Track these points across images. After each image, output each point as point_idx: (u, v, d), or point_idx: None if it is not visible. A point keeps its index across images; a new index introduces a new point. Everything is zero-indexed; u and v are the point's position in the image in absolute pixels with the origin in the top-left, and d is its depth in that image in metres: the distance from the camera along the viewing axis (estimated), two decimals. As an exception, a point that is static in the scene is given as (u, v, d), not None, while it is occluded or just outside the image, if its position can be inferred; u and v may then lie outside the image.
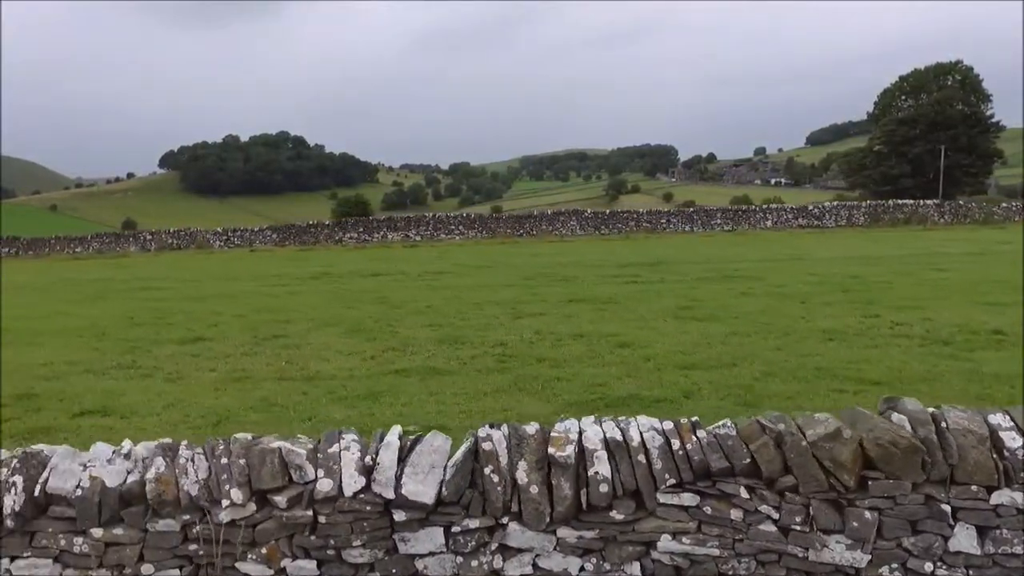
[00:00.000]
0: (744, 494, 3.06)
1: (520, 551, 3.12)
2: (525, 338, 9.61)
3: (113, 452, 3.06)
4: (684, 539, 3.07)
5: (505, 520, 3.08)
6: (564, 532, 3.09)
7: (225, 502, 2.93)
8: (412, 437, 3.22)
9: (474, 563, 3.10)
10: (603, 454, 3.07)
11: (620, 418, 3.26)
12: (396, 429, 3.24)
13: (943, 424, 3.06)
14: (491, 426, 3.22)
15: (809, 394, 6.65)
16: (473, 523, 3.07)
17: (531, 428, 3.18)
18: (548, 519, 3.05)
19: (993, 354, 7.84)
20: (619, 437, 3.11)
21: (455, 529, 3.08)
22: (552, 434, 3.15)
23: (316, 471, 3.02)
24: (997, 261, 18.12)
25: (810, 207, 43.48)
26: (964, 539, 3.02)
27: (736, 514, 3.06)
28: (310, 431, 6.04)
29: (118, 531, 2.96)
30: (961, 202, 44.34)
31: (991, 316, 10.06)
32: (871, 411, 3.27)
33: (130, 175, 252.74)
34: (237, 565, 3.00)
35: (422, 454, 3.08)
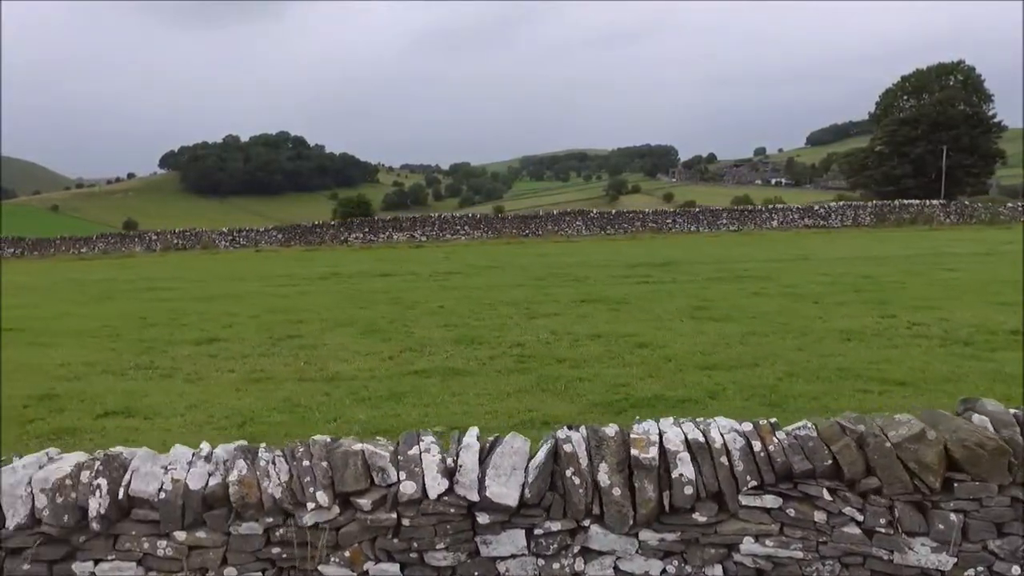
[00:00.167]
0: (827, 496, 3.04)
1: (601, 554, 3.10)
2: (542, 339, 9.61)
3: (193, 454, 3.04)
4: (767, 541, 3.06)
5: (587, 523, 3.07)
6: (646, 535, 3.07)
7: (311, 505, 2.91)
8: (490, 439, 3.20)
9: (555, 566, 3.08)
10: (686, 456, 3.05)
11: (698, 419, 3.25)
12: (473, 431, 3.22)
13: (1028, 425, 3.05)
14: (569, 427, 3.20)
15: (834, 394, 6.65)
16: (555, 525, 3.05)
17: (610, 430, 3.16)
18: (631, 521, 3.03)
19: (1013, 354, 7.85)
20: (701, 439, 3.09)
21: (537, 532, 3.06)
22: (632, 436, 3.14)
23: (398, 473, 3.00)
24: (1005, 261, 18.14)
25: (816, 207, 43.49)
26: (1050, 542, 3.00)
27: (820, 516, 3.04)
28: (336, 432, 6.03)
29: (201, 534, 2.94)
30: (967, 202, 44.37)
31: (1006, 316, 10.09)
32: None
33: (130, 175, 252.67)
34: (320, 568, 2.98)
35: (503, 456, 3.06)
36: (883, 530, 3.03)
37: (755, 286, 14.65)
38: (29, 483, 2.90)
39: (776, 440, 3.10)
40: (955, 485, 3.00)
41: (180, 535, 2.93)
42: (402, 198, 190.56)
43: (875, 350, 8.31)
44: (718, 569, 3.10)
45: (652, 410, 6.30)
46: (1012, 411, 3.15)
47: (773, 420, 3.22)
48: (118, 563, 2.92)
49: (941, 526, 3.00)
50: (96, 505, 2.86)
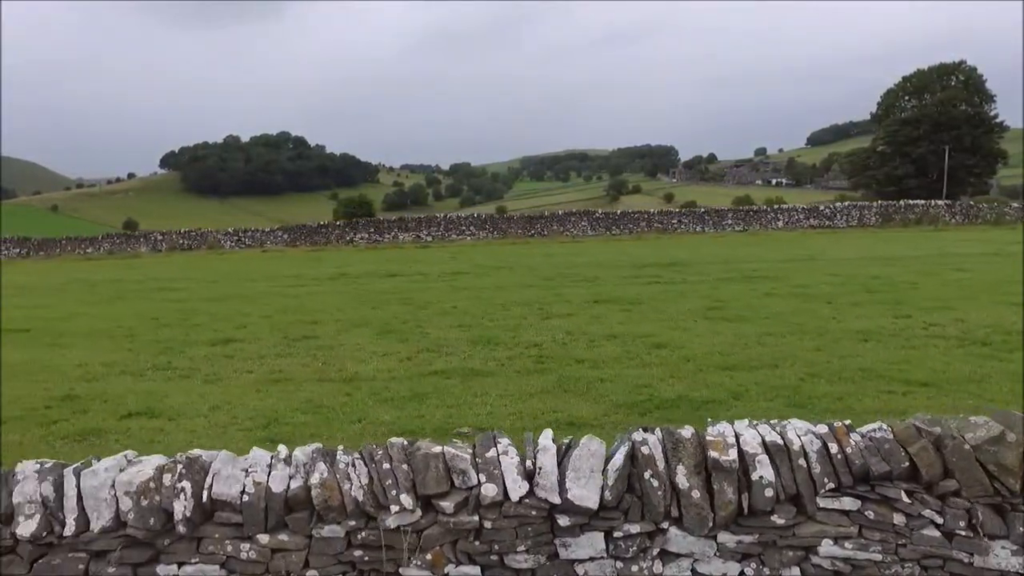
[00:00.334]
0: (905, 498, 3.04)
1: (679, 556, 3.10)
2: (558, 339, 9.63)
3: (272, 457, 3.04)
4: (846, 544, 3.06)
5: (665, 525, 3.07)
6: (724, 537, 3.07)
7: (394, 507, 2.91)
8: (565, 441, 3.20)
9: (634, 568, 3.08)
10: (764, 458, 3.05)
11: (773, 421, 3.25)
12: (548, 433, 3.22)
13: (1108, 427, 3.05)
14: (644, 429, 3.20)
15: (858, 395, 6.66)
16: (634, 528, 3.05)
17: (686, 431, 3.16)
18: (711, 524, 3.03)
19: (1033, 355, 7.85)
20: (779, 441, 3.09)
21: (616, 534, 3.06)
22: (708, 438, 3.14)
23: (478, 476, 3.00)
24: (1013, 261, 18.18)
25: (821, 207, 43.47)
26: None
27: (899, 519, 3.04)
28: (361, 433, 6.04)
29: (283, 537, 2.94)
30: (972, 202, 44.39)
31: (1021, 316, 10.08)
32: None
33: (131, 175, 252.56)
34: (401, 571, 2.98)
35: (581, 458, 3.06)
36: (963, 533, 3.02)
37: (766, 286, 14.68)
38: (112, 486, 2.90)
39: (852, 442, 3.10)
40: (1035, 488, 3.00)
41: (263, 538, 2.92)
42: (402, 198, 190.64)
43: (893, 351, 8.33)
44: (796, 571, 3.10)
45: (677, 411, 6.31)
46: (1088, 413, 3.15)
47: (847, 422, 3.22)
48: (202, 566, 2.92)
49: (1021, 529, 3.00)
50: (181, 508, 2.86)
